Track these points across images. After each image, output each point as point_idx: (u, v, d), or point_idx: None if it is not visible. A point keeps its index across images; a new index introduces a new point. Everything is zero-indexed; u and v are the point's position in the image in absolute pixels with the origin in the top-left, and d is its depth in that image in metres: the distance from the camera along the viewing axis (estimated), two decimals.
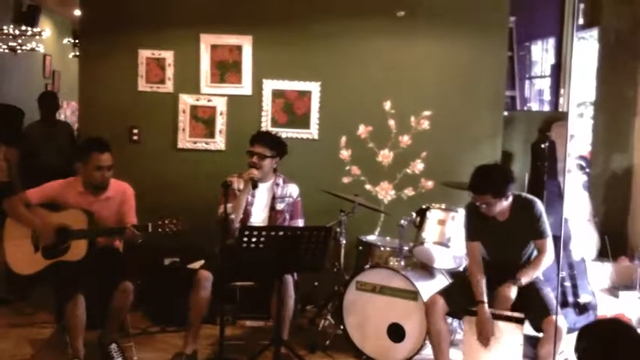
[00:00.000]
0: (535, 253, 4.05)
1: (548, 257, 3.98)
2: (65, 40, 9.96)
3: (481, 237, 4.10)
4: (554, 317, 3.75)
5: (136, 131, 5.51)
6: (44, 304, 5.05)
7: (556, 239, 4.07)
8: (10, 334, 4.75)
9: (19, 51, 8.04)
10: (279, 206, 4.63)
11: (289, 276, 4.30)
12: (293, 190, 4.70)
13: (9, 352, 4.40)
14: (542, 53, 8.49)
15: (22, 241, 4.24)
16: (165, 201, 5.24)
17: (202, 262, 4.57)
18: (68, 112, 9.12)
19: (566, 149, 4.06)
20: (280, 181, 4.69)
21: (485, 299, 3.93)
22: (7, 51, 7.99)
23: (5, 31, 7.79)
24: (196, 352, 4.33)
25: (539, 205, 4.00)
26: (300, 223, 4.70)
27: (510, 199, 3.96)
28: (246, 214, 4.57)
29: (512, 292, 3.87)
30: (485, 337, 3.90)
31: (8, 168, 5.54)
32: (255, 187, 4.48)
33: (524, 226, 3.98)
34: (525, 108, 8.42)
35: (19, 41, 7.86)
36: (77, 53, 6.13)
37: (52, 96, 6.95)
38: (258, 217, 4.61)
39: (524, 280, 3.90)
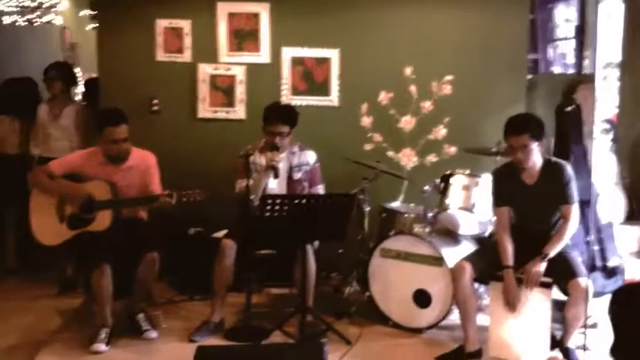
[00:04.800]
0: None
1: (573, 224, 3.94)
2: (82, 12, 9.92)
3: (510, 202, 4.06)
4: (579, 279, 3.73)
5: (155, 102, 5.48)
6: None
7: (583, 203, 4.02)
8: (38, 305, 4.80)
9: (36, 23, 8.01)
10: (297, 175, 4.56)
11: (308, 244, 4.29)
12: (310, 156, 4.62)
13: (37, 325, 4.46)
14: (565, 15, 8.33)
15: (47, 213, 4.26)
16: (186, 171, 5.21)
17: (226, 231, 4.57)
18: None
19: (593, 111, 3.98)
20: (296, 149, 4.61)
21: (512, 264, 3.90)
22: (24, 24, 7.97)
23: (22, 4, 7.75)
24: (223, 319, 4.36)
25: (569, 170, 3.95)
26: (321, 188, 4.64)
27: (541, 160, 3.94)
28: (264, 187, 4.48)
29: (542, 267, 3.84)
30: (511, 304, 3.88)
31: (20, 141, 5.54)
32: (276, 176, 4.37)
33: (552, 190, 3.94)
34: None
35: (37, 13, 7.82)
36: (95, 25, 6.07)
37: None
38: (276, 188, 4.52)
39: (552, 253, 3.87)
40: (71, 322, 4.50)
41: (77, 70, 7.39)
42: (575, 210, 3.95)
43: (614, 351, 3.54)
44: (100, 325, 4.08)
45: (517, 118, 4.02)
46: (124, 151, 4.29)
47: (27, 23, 8.00)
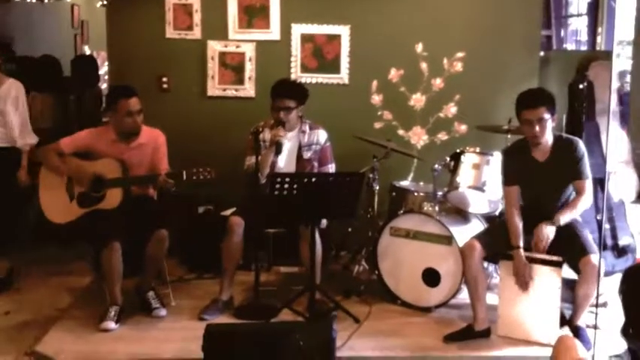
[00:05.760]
0: (573, 195, 3.98)
1: (587, 199, 3.92)
2: None
3: (519, 180, 4.04)
4: (591, 257, 3.70)
5: (165, 79, 5.46)
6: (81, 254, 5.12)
7: (594, 181, 3.99)
8: (49, 282, 4.84)
9: (46, 1, 8.01)
10: (306, 155, 4.53)
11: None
12: (320, 135, 4.57)
13: (48, 301, 4.49)
14: None
15: (57, 191, 4.28)
16: (196, 149, 5.21)
17: (234, 209, 4.57)
18: (99, 61, 9.11)
19: (610, 88, 3.94)
20: (306, 127, 4.56)
21: (522, 244, 3.88)
22: (34, 1, 7.96)
23: None
24: (232, 297, 4.37)
25: (581, 146, 3.93)
26: (331, 168, 4.61)
27: (552, 137, 3.92)
28: (272, 166, 4.47)
29: (551, 231, 3.82)
30: (522, 282, 3.87)
31: (50, 115, 5.56)
32: (279, 152, 4.35)
33: (564, 166, 3.92)
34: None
35: None
36: (105, 2, 6.05)
37: None
38: (285, 167, 4.52)
39: (562, 220, 3.85)
40: (81, 299, 4.53)
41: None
42: (589, 185, 3.93)
43: (625, 331, 3.53)
44: (109, 303, 4.10)
45: (531, 91, 4.03)
46: (138, 125, 4.29)
47: (37, 0, 7.99)
